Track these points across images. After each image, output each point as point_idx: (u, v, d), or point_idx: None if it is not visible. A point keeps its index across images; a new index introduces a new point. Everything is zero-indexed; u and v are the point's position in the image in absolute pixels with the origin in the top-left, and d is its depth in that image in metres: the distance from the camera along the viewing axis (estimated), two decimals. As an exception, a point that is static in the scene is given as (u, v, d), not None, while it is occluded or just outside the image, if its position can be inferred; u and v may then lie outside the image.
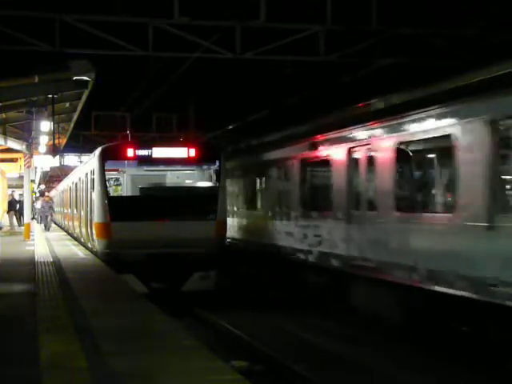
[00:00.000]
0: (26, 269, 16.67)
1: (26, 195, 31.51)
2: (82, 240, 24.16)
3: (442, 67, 17.91)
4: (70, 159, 41.54)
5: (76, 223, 27.02)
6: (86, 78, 17.97)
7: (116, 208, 18.59)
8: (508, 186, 10.93)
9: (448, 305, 11.88)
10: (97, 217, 18.93)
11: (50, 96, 21.09)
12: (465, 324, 12.01)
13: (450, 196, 12.22)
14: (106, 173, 19.07)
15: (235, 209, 24.39)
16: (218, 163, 19.34)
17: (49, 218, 38.14)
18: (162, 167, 20.19)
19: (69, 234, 33.30)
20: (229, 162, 23.12)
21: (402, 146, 13.13)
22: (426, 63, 18.65)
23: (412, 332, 13.78)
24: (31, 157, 29.82)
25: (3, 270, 16.48)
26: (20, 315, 10.29)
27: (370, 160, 14.15)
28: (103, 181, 18.78)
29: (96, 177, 19.00)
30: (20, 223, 38.05)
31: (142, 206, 19.09)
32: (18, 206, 38.43)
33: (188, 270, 18.53)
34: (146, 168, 20.34)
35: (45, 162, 32.74)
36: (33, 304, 11.02)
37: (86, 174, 22.02)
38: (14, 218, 38.83)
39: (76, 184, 27.38)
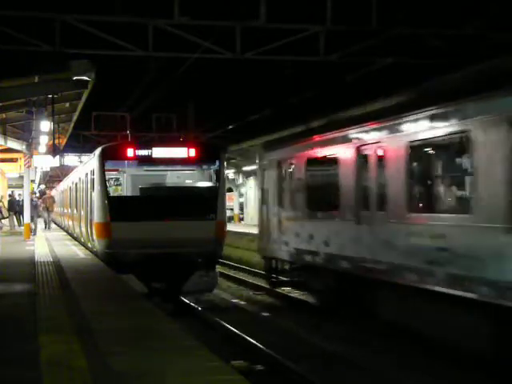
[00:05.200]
0: (26, 269, 16.67)
1: (25, 195, 31.51)
2: (82, 240, 24.17)
3: (441, 67, 17.92)
4: (70, 159, 41.52)
5: (76, 223, 27.03)
6: (85, 78, 17.99)
7: (116, 208, 18.59)
8: None
9: None
10: (97, 217, 18.93)
11: (50, 96, 21.12)
12: None
13: None
14: (106, 173, 19.07)
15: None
16: (218, 163, 19.35)
17: (34, 218, 33.75)
18: (162, 167, 20.18)
19: (69, 233, 33.30)
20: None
21: None
22: (425, 63, 18.65)
23: (412, 332, 13.79)
24: (31, 157, 29.85)
25: (3, 270, 16.49)
26: (20, 315, 10.29)
27: None
28: (103, 181, 18.78)
29: (96, 177, 19.00)
30: (20, 223, 38.06)
31: (141, 206, 19.09)
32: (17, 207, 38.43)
33: (188, 269, 18.53)
34: (145, 168, 20.33)
35: (45, 161, 32.77)
36: (33, 304, 11.02)
37: (86, 174, 22.03)
38: (14, 217, 38.86)
39: (76, 184, 27.38)
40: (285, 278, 19.49)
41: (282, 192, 18.54)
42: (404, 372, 11.51)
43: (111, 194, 19.55)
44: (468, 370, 11.25)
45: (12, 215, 38.57)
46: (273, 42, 17.64)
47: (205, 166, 20.15)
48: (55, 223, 46.68)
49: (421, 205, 12.64)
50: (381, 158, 13.44)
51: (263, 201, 19.86)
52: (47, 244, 26.20)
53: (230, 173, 47.93)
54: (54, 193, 55.06)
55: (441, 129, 11.58)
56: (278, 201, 18.68)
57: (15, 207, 38.49)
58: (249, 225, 46.83)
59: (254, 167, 41.25)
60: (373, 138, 13.73)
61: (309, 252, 16.67)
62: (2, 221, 37.37)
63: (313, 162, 16.89)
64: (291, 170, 17.95)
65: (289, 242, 17.87)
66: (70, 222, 31.50)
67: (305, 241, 16.89)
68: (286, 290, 22.02)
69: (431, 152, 12.54)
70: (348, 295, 15.30)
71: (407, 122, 12.61)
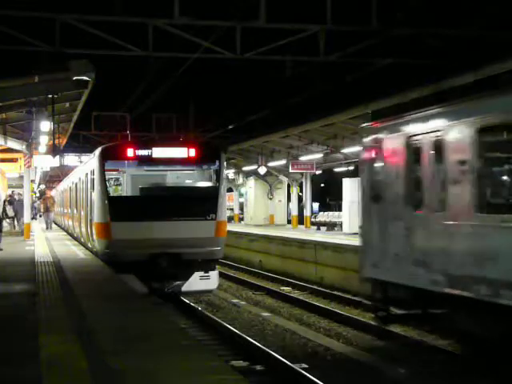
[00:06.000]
0: (26, 269, 16.67)
1: (25, 195, 31.50)
2: (82, 240, 24.17)
3: (441, 67, 17.93)
4: (70, 159, 41.51)
5: (76, 223, 27.03)
6: (85, 78, 17.99)
7: (116, 208, 18.59)
8: None
9: None
10: (97, 217, 18.93)
11: (50, 96, 21.11)
12: None
13: None
14: (106, 173, 19.07)
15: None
16: (217, 163, 19.36)
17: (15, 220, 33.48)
18: (162, 167, 20.18)
19: (69, 233, 33.32)
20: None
21: None
22: (425, 63, 18.65)
23: (412, 332, 13.79)
24: (31, 157, 29.83)
25: (3, 270, 16.49)
26: (20, 315, 10.29)
27: None
28: (103, 181, 18.78)
29: (96, 177, 19.01)
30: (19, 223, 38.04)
31: (142, 206, 19.08)
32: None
33: (188, 270, 18.53)
34: (146, 168, 20.32)
35: (45, 161, 32.72)
36: (33, 304, 11.02)
37: (86, 174, 22.03)
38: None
39: (76, 184, 27.39)
40: (400, 311, 13.19)
41: (415, 184, 12.41)
42: (405, 372, 11.50)
43: (111, 194, 19.55)
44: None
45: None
46: (273, 42, 17.64)
47: (205, 166, 20.15)
48: (55, 223, 46.69)
49: None
50: None
51: (374, 198, 13.59)
52: (47, 244, 26.20)
53: (229, 173, 47.94)
54: (53, 193, 55.14)
55: None
56: (407, 197, 12.47)
57: (15, 207, 38.47)
58: (249, 224, 46.85)
59: (253, 167, 41.17)
60: None
61: (477, 280, 10.51)
62: (7, 220, 37.37)
63: (496, 131, 10.71)
64: (438, 149, 11.62)
65: (429, 261, 11.70)
66: (70, 222, 31.50)
67: (470, 263, 10.76)
68: (293, 292, 22.00)
69: None
70: None
71: None
